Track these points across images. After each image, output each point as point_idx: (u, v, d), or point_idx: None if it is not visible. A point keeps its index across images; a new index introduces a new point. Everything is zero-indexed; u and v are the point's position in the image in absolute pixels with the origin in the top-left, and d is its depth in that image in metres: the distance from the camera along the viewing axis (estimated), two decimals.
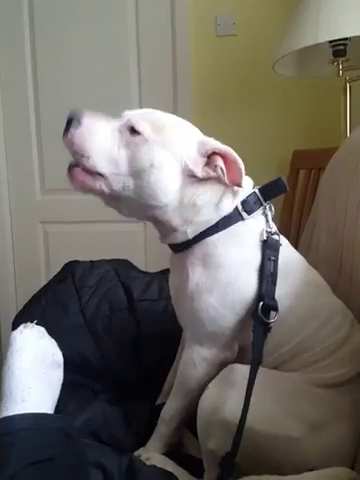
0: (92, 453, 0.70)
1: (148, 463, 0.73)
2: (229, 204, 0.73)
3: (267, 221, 0.75)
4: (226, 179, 0.69)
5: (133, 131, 0.69)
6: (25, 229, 2.13)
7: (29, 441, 0.64)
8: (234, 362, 0.73)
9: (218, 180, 0.71)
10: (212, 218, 0.72)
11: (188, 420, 0.78)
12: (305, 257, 0.82)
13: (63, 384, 0.84)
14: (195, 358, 0.75)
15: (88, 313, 1.03)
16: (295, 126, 1.93)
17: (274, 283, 0.70)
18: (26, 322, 0.84)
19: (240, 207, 0.73)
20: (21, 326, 0.83)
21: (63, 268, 1.18)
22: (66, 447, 0.66)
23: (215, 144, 0.71)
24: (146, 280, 1.13)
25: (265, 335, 0.69)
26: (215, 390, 0.68)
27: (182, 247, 0.75)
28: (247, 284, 0.71)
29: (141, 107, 0.87)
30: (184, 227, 0.73)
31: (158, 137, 0.69)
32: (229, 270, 0.71)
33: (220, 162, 0.69)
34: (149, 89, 1.96)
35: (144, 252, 2.00)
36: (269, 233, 0.73)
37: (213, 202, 0.72)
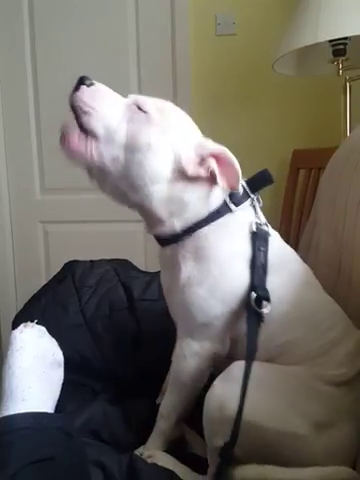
0: (92, 452, 0.70)
1: (150, 461, 0.73)
2: (217, 198, 0.73)
3: (256, 212, 0.75)
4: (220, 182, 0.69)
5: (140, 109, 0.70)
6: (25, 229, 2.13)
7: (29, 440, 0.64)
8: (228, 356, 0.74)
9: (208, 181, 0.70)
10: (201, 212, 0.72)
11: (189, 417, 0.79)
12: (305, 257, 0.82)
13: (63, 383, 0.84)
14: (186, 351, 0.75)
15: (88, 313, 1.03)
16: (295, 125, 1.93)
17: (265, 273, 0.71)
18: (26, 321, 0.84)
19: (228, 199, 0.73)
20: (21, 325, 0.83)
21: (63, 268, 1.18)
22: (66, 446, 0.66)
23: (213, 147, 0.70)
24: (146, 280, 1.13)
25: (259, 325, 0.69)
26: (220, 387, 0.68)
27: (171, 240, 0.75)
28: (238, 275, 0.72)
29: None
30: (171, 220, 0.73)
31: (162, 122, 0.70)
32: (220, 262, 0.72)
33: (213, 164, 0.69)
34: (149, 88, 1.94)
35: (144, 252, 2.00)
36: (258, 224, 0.74)
37: (201, 198, 0.72)
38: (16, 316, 1.04)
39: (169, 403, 0.79)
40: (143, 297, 1.08)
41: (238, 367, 0.68)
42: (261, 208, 0.77)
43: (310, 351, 0.73)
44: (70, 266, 1.16)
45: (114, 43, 1.95)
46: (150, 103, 0.71)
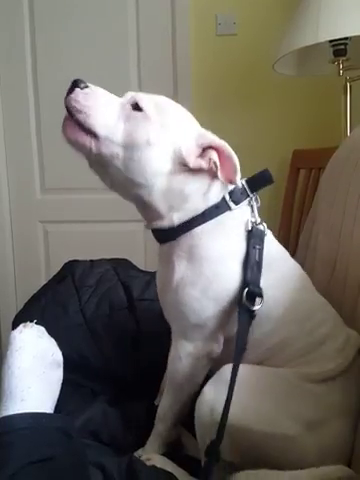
0: (92, 453, 0.70)
1: (148, 464, 0.73)
2: (217, 194, 0.73)
3: (252, 211, 0.75)
4: (219, 174, 0.69)
5: (136, 108, 0.70)
6: (25, 228, 2.13)
7: (28, 440, 0.64)
8: (221, 355, 0.74)
9: (209, 173, 0.71)
10: (199, 207, 0.72)
11: (185, 420, 0.78)
12: (304, 256, 0.82)
13: (63, 384, 0.84)
14: (181, 352, 0.75)
15: (88, 312, 1.03)
16: (295, 125, 1.93)
17: (259, 271, 0.71)
18: (26, 321, 0.84)
19: (228, 197, 0.73)
20: (21, 325, 0.83)
21: (63, 267, 1.18)
22: (66, 447, 0.66)
23: (213, 138, 0.71)
24: (146, 279, 1.13)
25: (250, 322, 0.69)
26: (210, 391, 0.68)
27: (168, 236, 0.75)
28: (231, 274, 0.71)
29: None
30: (170, 213, 0.73)
31: (159, 117, 0.70)
32: (214, 261, 0.72)
33: (214, 156, 0.69)
34: (149, 88, 1.93)
35: (144, 252, 2.00)
36: (254, 223, 0.74)
37: (201, 191, 0.72)
38: (16, 316, 1.04)
39: (166, 405, 0.79)
40: (143, 297, 1.08)
41: (228, 370, 0.68)
42: (260, 208, 0.77)
43: (300, 349, 0.73)
44: (70, 266, 1.16)
45: (114, 43, 1.95)
46: (146, 100, 0.71)
